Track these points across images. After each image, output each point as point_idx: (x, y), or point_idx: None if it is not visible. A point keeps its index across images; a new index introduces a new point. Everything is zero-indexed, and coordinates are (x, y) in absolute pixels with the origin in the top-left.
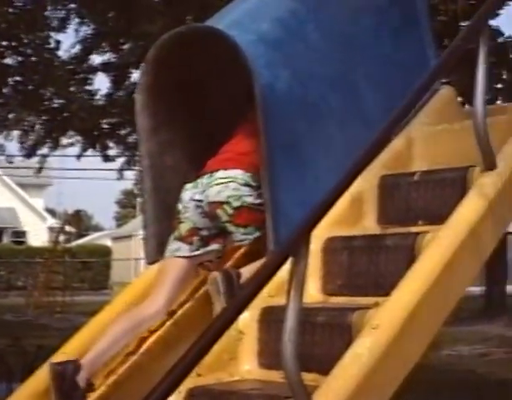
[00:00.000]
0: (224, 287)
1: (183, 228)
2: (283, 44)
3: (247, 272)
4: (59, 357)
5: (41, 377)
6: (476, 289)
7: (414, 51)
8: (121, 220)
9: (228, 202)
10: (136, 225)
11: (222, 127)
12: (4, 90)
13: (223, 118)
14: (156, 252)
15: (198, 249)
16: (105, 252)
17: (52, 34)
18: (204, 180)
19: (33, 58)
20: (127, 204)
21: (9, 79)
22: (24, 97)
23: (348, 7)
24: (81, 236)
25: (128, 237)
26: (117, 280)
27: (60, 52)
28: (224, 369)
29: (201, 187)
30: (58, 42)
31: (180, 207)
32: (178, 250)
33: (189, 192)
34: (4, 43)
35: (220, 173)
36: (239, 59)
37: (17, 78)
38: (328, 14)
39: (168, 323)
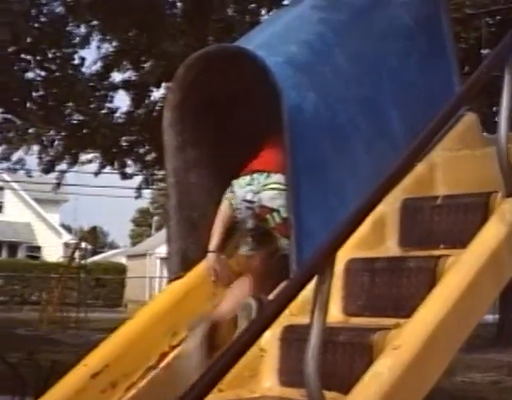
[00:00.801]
0: (256, 315)
1: (240, 228)
2: (310, 67)
3: None
4: (82, 370)
5: (59, 391)
6: (489, 317)
7: (441, 76)
8: (136, 238)
9: (278, 211)
10: (151, 243)
11: (249, 146)
12: (28, 104)
13: (251, 138)
14: (179, 268)
15: (251, 249)
16: (120, 270)
17: (77, 50)
18: (261, 179)
19: (57, 74)
20: (142, 223)
21: (33, 94)
22: (46, 112)
23: (376, 32)
24: (96, 253)
25: (143, 255)
26: (132, 298)
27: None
28: (245, 386)
29: (256, 185)
30: (83, 58)
31: (234, 203)
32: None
33: (242, 191)
34: (28, 58)
35: (278, 177)
36: (267, 80)
37: (41, 93)
38: (355, 38)
39: None
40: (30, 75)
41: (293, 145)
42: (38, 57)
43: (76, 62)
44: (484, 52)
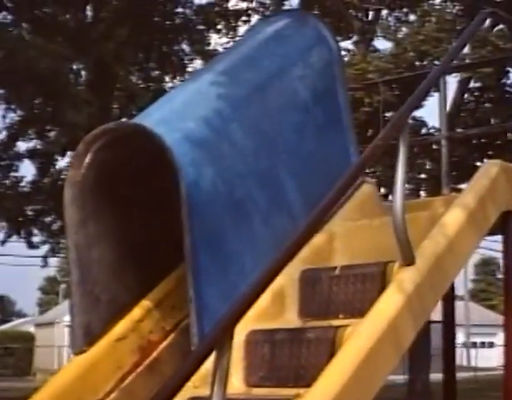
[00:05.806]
0: None
1: None
2: (208, 143)
3: None
4: None
5: None
6: (399, 377)
7: (337, 147)
8: (44, 306)
9: None
10: (59, 312)
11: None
12: None
13: (154, 211)
14: (83, 342)
15: None
16: (28, 339)
17: None
18: None
19: None
20: (50, 291)
21: None
22: None
23: (273, 106)
24: (4, 322)
25: (51, 323)
26: (41, 366)
27: None
28: None
29: None
30: None
31: None
32: None
33: None
34: None
35: None
36: (166, 156)
37: None
38: (252, 113)
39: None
40: None
41: (191, 221)
42: None
43: None
44: (389, 114)
